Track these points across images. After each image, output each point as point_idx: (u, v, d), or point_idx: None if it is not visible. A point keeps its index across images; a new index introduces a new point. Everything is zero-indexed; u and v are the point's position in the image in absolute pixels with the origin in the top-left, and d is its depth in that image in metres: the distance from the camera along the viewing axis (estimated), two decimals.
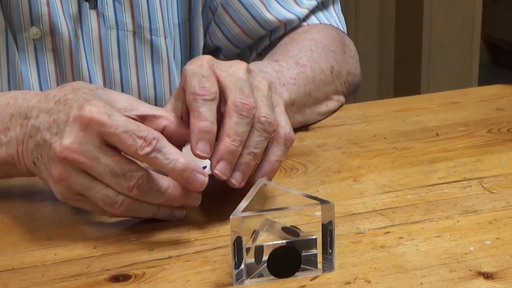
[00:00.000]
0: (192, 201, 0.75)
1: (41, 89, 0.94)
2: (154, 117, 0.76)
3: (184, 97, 0.75)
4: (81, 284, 0.68)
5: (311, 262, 0.68)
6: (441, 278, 0.67)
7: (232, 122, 0.73)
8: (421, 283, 0.67)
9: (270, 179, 0.77)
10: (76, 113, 0.72)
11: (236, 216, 0.66)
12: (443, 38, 2.38)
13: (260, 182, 0.72)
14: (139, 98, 0.99)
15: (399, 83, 2.49)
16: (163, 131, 0.75)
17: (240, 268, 0.67)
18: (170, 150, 0.71)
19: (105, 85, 0.97)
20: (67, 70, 0.95)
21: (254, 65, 0.92)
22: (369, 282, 0.67)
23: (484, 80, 2.32)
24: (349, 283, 0.67)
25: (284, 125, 0.78)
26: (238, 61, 0.78)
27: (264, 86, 0.78)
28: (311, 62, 0.98)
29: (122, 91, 0.98)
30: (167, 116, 0.76)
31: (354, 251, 0.72)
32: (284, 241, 0.68)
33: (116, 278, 0.69)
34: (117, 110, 0.73)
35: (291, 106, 0.93)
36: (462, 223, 0.76)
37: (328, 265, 0.69)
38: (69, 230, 0.75)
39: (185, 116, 0.77)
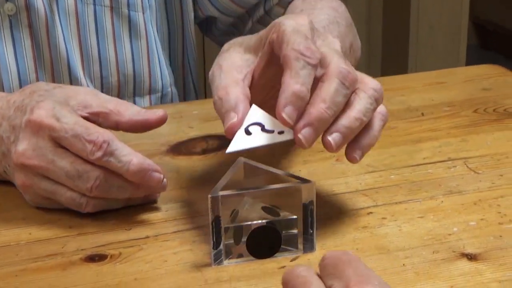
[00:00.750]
0: (159, 189, 0.72)
1: (17, 65, 0.92)
2: (106, 113, 0.73)
3: (271, 52, 0.68)
4: (55, 264, 0.66)
5: (292, 242, 0.67)
6: (424, 259, 0.66)
7: (332, 88, 0.64)
8: (404, 264, 0.65)
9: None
10: (26, 118, 0.71)
11: (214, 195, 0.64)
12: (431, 19, 2.37)
13: (240, 160, 0.70)
14: (117, 73, 0.97)
15: (386, 63, 2.48)
16: (118, 126, 0.74)
17: (219, 249, 0.65)
18: (122, 152, 0.69)
19: (82, 61, 0.95)
20: (44, 46, 0.93)
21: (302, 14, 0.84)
22: None
23: (472, 62, 2.30)
24: None
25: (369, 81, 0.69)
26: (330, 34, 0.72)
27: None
28: (340, 37, 0.89)
29: (100, 66, 0.96)
30: (118, 111, 0.73)
31: (336, 232, 0.71)
32: (264, 221, 0.66)
33: (91, 258, 0.67)
34: (69, 109, 0.71)
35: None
36: (446, 204, 0.75)
37: (309, 245, 0.67)
38: (44, 210, 0.74)
39: (261, 73, 0.69)
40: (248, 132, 0.65)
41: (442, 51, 2.39)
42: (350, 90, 0.65)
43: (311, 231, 0.67)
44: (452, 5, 2.37)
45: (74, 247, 0.69)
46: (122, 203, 0.73)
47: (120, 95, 0.98)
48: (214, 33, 1.10)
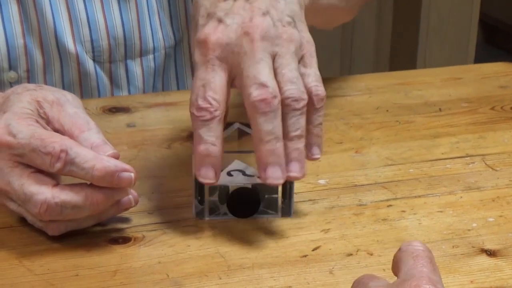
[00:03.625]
0: (123, 193, 0.67)
1: (4, 30, 0.92)
2: (60, 131, 0.68)
3: None
4: (79, 245, 0.67)
5: (272, 206, 0.71)
6: (444, 253, 0.67)
7: (258, 124, 0.65)
8: None
9: (320, 147, 0.71)
10: None
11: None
12: (441, 15, 2.37)
13: (234, 125, 0.71)
14: (107, 37, 0.96)
15: (395, 58, 2.48)
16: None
17: (203, 206, 0.70)
18: (83, 159, 0.65)
19: (71, 26, 0.94)
20: (31, 12, 0.93)
21: None
22: (371, 254, 0.67)
23: (479, 59, 2.30)
24: (351, 254, 0.67)
25: (312, 86, 0.68)
26: (252, 28, 0.67)
27: (286, 47, 0.67)
28: None
29: (90, 32, 0.95)
30: (71, 134, 0.68)
31: (356, 223, 0.71)
32: (247, 183, 0.69)
33: (115, 240, 0.68)
34: (26, 120, 0.67)
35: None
36: (465, 199, 0.75)
37: (287, 211, 0.71)
38: None
39: None
40: (230, 175, 0.70)
41: (451, 47, 2.40)
42: (274, 110, 0.65)
43: (289, 197, 0.71)
44: (463, 2, 2.38)
45: (98, 229, 0.69)
46: (92, 221, 0.68)
47: (111, 58, 0.97)
48: None
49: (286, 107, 0.66)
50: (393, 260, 0.55)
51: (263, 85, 0.65)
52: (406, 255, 0.54)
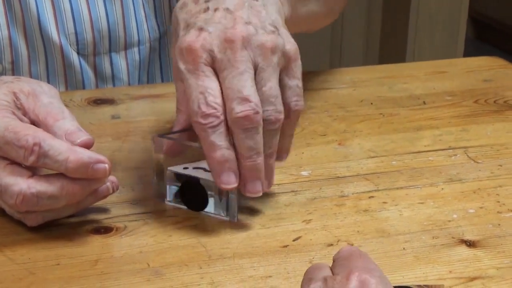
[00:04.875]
0: (99, 183, 0.67)
1: None
2: (35, 121, 0.69)
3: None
4: (62, 235, 0.67)
5: (219, 205, 0.70)
6: (424, 244, 0.67)
7: (240, 140, 0.65)
8: (404, 248, 0.67)
9: (288, 152, 0.72)
10: None
11: (158, 137, 0.70)
12: (431, 10, 2.38)
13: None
14: (92, 30, 0.96)
15: (384, 53, 2.48)
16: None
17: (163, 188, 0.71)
18: (57, 151, 0.64)
19: (55, 18, 0.94)
20: (15, 2, 0.93)
21: None
22: (352, 245, 0.67)
23: (469, 55, 2.31)
24: (331, 245, 0.67)
25: (291, 101, 0.69)
26: (234, 36, 0.66)
27: (268, 60, 0.67)
28: None
29: (74, 24, 0.95)
30: (45, 124, 0.68)
31: (337, 214, 0.72)
32: (200, 176, 0.70)
33: (97, 230, 0.68)
34: (2, 112, 0.67)
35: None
36: (446, 191, 0.76)
37: (231, 214, 0.70)
38: None
39: None
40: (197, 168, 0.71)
41: (440, 43, 2.40)
42: (256, 126, 0.65)
43: (224, 199, 0.69)
44: None
45: (80, 219, 0.69)
46: (70, 211, 0.68)
47: (96, 51, 0.97)
48: None
49: (266, 125, 0.66)
50: (331, 267, 0.56)
51: (246, 100, 0.65)
52: (339, 259, 0.56)
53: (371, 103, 0.94)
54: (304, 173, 0.78)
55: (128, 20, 0.98)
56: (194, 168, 0.70)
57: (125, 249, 0.66)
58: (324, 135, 0.86)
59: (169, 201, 0.72)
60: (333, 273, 0.54)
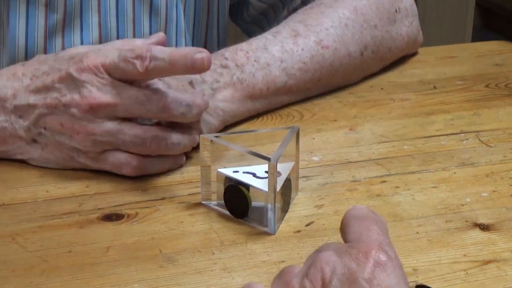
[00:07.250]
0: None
1: (27, 42, 0.92)
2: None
3: None
4: (73, 222, 0.67)
5: (258, 215, 0.67)
6: (437, 227, 0.67)
7: None
8: (417, 232, 0.66)
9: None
10: (78, 66, 0.72)
11: (205, 136, 0.68)
12: None
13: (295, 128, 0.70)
14: None
15: None
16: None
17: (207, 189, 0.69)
18: (161, 50, 0.71)
19: (100, 42, 0.94)
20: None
21: (261, 40, 0.87)
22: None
23: (475, 41, 2.30)
24: None
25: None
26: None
27: None
28: (337, 43, 0.89)
29: None
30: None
31: (349, 199, 0.71)
32: (245, 181, 0.67)
33: (108, 217, 0.68)
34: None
35: (288, 92, 0.86)
36: (459, 175, 0.75)
37: (271, 226, 0.66)
38: (61, 169, 0.74)
39: None
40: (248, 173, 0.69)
41: (448, 30, 2.39)
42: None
43: (272, 212, 0.66)
44: None
45: (91, 206, 0.69)
46: (162, 166, 0.74)
47: None
48: (244, 19, 1.06)
49: None
50: (340, 226, 0.52)
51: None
52: (351, 220, 0.51)
53: (382, 88, 0.93)
54: (315, 158, 0.78)
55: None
56: (244, 172, 0.68)
57: (137, 235, 0.65)
58: (335, 120, 0.86)
59: (210, 203, 0.69)
60: (346, 239, 0.50)
